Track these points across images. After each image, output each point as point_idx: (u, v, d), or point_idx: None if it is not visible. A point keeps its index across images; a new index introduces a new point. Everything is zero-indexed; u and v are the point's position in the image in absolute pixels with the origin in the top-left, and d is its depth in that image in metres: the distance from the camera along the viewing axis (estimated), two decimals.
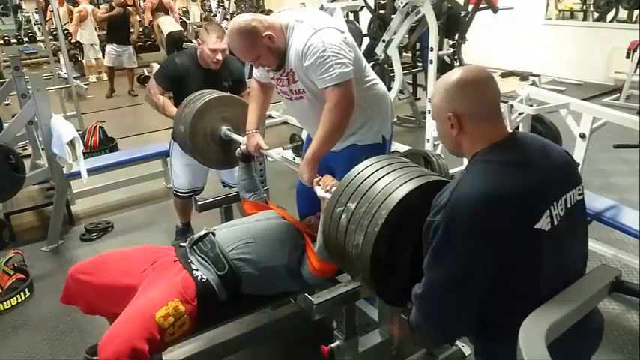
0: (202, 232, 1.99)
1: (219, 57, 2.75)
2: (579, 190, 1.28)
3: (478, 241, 1.11)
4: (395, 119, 2.23)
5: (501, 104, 3.14)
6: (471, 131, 1.23)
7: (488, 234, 1.11)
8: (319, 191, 1.79)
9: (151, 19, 9.76)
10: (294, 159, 4.74)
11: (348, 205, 1.47)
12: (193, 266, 1.86)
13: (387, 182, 1.44)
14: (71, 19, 9.15)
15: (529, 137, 1.31)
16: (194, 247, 1.94)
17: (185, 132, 2.42)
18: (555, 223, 1.17)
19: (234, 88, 2.90)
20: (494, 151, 1.20)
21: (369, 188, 1.46)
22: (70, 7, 10.11)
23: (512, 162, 1.18)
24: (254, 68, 2.23)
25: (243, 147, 2.26)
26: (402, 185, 1.41)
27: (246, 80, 3.10)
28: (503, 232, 1.11)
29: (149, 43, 10.31)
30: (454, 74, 1.24)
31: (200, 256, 1.90)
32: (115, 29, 7.97)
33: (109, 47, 7.96)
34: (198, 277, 1.81)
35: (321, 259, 1.84)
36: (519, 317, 1.13)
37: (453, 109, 1.22)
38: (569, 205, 1.23)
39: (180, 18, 11.10)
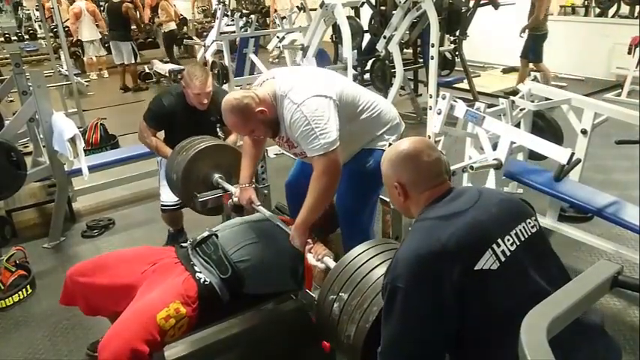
0: (205, 234, 1.99)
1: (205, 101, 2.76)
2: (531, 223, 1.33)
3: (417, 296, 1.18)
4: (403, 128, 2.23)
5: (503, 100, 3.15)
6: (414, 197, 1.37)
7: (426, 288, 1.17)
8: (310, 259, 1.83)
9: (150, 16, 9.77)
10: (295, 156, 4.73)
11: (340, 294, 1.50)
12: (196, 269, 1.86)
13: (379, 274, 1.46)
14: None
15: (467, 189, 1.41)
16: (197, 249, 1.94)
17: (177, 180, 2.45)
18: (503, 259, 1.21)
19: (222, 123, 2.89)
20: (430, 209, 1.32)
21: (362, 279, 1.49)
22: (69, 4, 10.10)
23: (444, 215, 1.27)
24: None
25: (235, 199, 2.27)
26: None
27: None
28: (442, 283, 1.16)
29: (150, 40, 10.31)
30: (399, 146, 1.39)
31: (203, 259, 1.90)
32: (114, 26, 7.98)
33: (111, 44, 8.05)
34: (201, 280, 1.82)
35: None
36: (486, 351, 1.19)
37: (397, 179, 1.37)
38: (522, 239, 1.27)
39: (180, 15, 11.08)
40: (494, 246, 1.22)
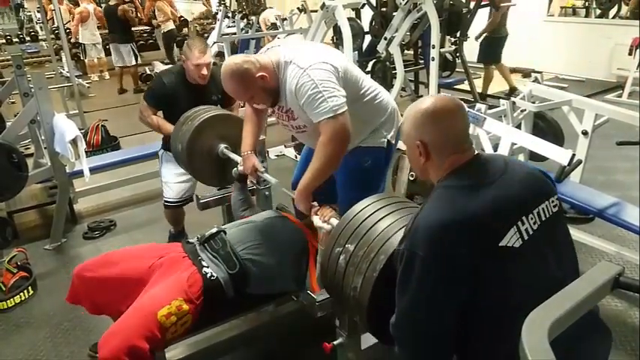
0: (213, 230, 2.00)
1: (205, 71, 2.72)
2: (554, 201, 1.28)
3: (438, 266, 1.13)
4: (401, 122, 2.22)
5: (504, 101, 3.16)
6: (436, 160, 1.27)
7: (447, 259, 1.13)
8: (317, 221, 1.80)
9: (150, 16, 9.79)
10: (295, 157, 4.75)
11: (346, 246, 1.48)
12: (204, 263, 1.86)
13: (386, 225, 1.44)
14: (72, 18, 9.15)
15: (491, 157, 1.33)
16: (205, 244, 1.95)
17: (183, 150, 2.44)
18: (526, 237, 1.17)
19: (223, 102, 2.90)
20: (455, 176, 1.24)
21: (368, 230, 1.46)
22: (71, 6, 10.10)
23: (470, 185, 1.21)
24: None
25: (240, 167, 2.27)
26: (401, 229, 1.41)
27: None
28: (463, 255, 1.12)
29: (150, 41, 10.31)
30: (424, 103, 1.28)
31: (211, 254, 1.90)
32: (112, 28, 7.99)
33: (111, 47, 8.08)
34: (208, 275, 1.81)
35: (320, 285, 1.82)
36: (498, 338, 1.16)
37: (421, 138, 1.27)
38: (544, 218, 1.23)
39: (181, 17, 11.09)
40: (519, 223, 1.17)
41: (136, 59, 8.09)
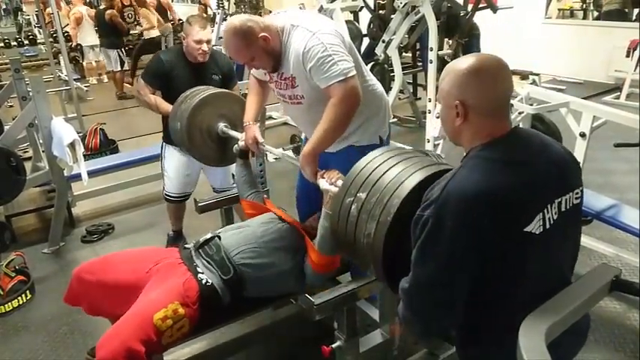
0: (208, 236, 1.99)
1: (205, 47, 2.69)
2: (577, 193, 1.24)
3: (465, 238, 1.09)
4: (392, 119, 2.22)
5: None
6: (474, 123, 1.18)
7: (477, 232, 1.09)
8: (323, 183, 1.76)
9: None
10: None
11: (358, 194, 1.45)
12: (199, 269, 1.86)
13: (397, 171, 1.42)
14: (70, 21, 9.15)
15: (529, 134, 1.26)
16: (199, 250, 1.95)
17: (182, 129, 2.40)
18: (547, 226, 1.15)
19: (223, 82, 2.87)
20: (492, 147, 1.17)
21: (380, 177, 1.43)
22: (68, 9, 10.10)
23: (508, 160, 1.15)
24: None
25: (241, 142, 2.25)
26: (413, 174, 1.39)
27: (235, 75, 3.07)
28: (492, 232, 1.09)
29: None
30: (468, 60, 1.18)
31: (205, 260, 1.90)
32: (102, 33, 7.98)
33: (102, 51, 8.17)
34: (203, 281, 1.82)
35: (320, 252, 1.83)
36: (497, 320, 1.15)
37: (461, 98, 1.16)
38: (563, 209, 1.20)
39: (180, 20, 11.10)
40: (545, 210, 1.15)
41: (122, 65, 7.97)
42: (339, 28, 1.92)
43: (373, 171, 1.47)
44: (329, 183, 1.75)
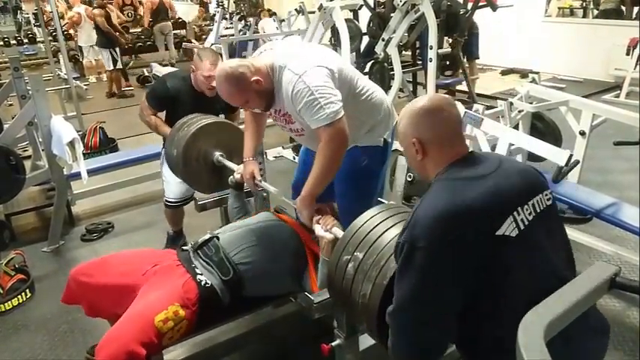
0: (206, 237, 1.99)
1: (214, 84, 2.69)
2: (547, 195, 1.32)
3: (438, 256, 1.15)
4: (396, 121, 2.22)
5: (502, 102, 3.16)
6: (433, 156, 1.32)
7: (448, 247, 1.15)
8: (318, 230, 1.79)
9: (151, 19, 9.76)
10: (294, 158, 4.75)
11: (355, 254, 1.48)
12: (197, 271, 1.86)
13: (395, 233, 1.45)
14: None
15: (487, 154, 1.39)
16: (198, 251, 1.94)
17: (178, 156, 2.42)
18: (522, 227, 1.21)
19: (227, 112, 2.89)
20: (451, 169, 1.28)
21: (377, 238, 1.47)
22: (66, 7, 10.08)
23: (468, 176, 1.25)
24: None
25: (237, 175, 2.26)
26: None
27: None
28: (463, 245, 1.15)
29: (149, 43, 10.32)
30: (418, 102, 1.34)
31: (204, 261, 1.90)
32: (97, 32, 7.96)
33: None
34: (202, 282, 1.81)
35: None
36: (497, 330, 1.17)
37: (417, 135, 1.31)
38: (538, 210, 1.27)
39: (179, 19, 11.10)
40: (515, 213, 1.21)
41: (115, 64, 7.90)
42: (326, 57, 1.91)
43: (371, 230, 1.50)
44: (324, 230, 1.77)
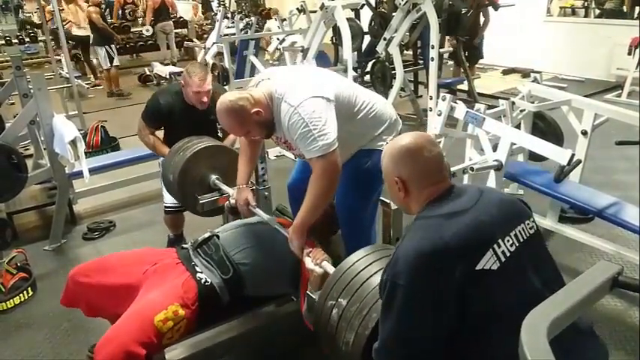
0: (206, 235, 1.99)
1: (205, 99, 2.69)
2: (529, 224, 1.34)
3: (418, 294, 1.18)
4: (400, 126, 2.23)
5: (503, 101, 3.15)
6: (415, 193, 1.35)
7: (427, 285, 1.17)
8: (309, 263, 1.79)
9: (152, 18, 9.75)
10: (295, 158, 4.74)
11: (339, 300, 1.50)
12: (197, 269, 1.86)
13: (378, 280, 1.43)
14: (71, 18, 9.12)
15: (467, 187, 1.40)
16: (198, 249, 1.94)
17: (174, 181, 2.44)
18: (503, 259, 1.22)
19: None
20: (431, 207, 1.31)
21: (361, 285, 1.48)
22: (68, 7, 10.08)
23: (446, 214, 1.26)
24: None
25: (232, 201, 2.26)
26: None
27: None
28: (443, 281, 1.17)
29: (150, 42, 10.33)
30: (399, 141, 1.38)
31: (204, 260, 1.90)
32: (92, 30, 7.95)
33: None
34: (202, 281, 1.81)
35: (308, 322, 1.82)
36: (485, 356, 1.19)
37: (398, 174, 1.35)
38: (521, 239, 1.28)
39: (180, 17, 11.09)
40: (495, 246, 1.22)
41: (111, 62, 7.85)
42: (323, 84, 1.93)
43: (355, 276, 1.51)
44: (314, 263, 1.77)
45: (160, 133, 2.96)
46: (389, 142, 1.41)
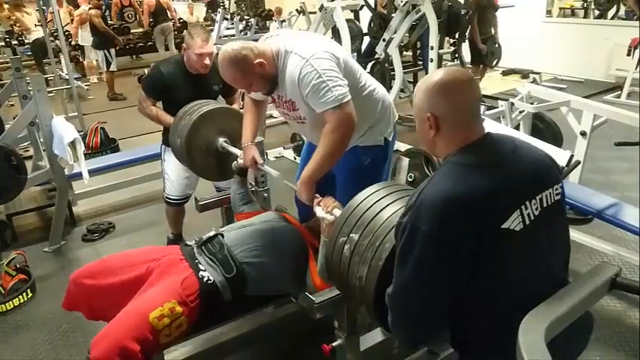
0: (211, 233, 1.99)
1: (207, 61, 2.64)
2: (557, 189, 1.28)
3: (440, 241, 1.13)
4: (396, 119, 2.23)
5: (503, 102, 3.17)
6: (447, 133, 1.25)
7: (451, 235, 1.12)
8: (319, 212, 1.77)
9: (151, 20, 9.75)
10: (295, 158, 4.75)
11: (350, 235, 1.46)
12: (201, 267, 1.85)
13: (390, 213, 1.43)
14: (72, 21, 9.13)
15: (501, 138, 1.30)
16: (202, 247, 1.94)
17: (181, 145, 2.42)
18: (527, 222, 1.17)
19: (224, 92, 2.87)
20: (464, 153, 1.22)
21: (372, 219, 1.45)
22: (71, 8, 10.09)
23: (479, 164, 1.20)
24: None
25: (240, 160, 2.25)
26: None
27: None
28: (467, 233, 1.12)
29: (150, 44, 10.34)
30: (435, 75, 1.26)
31: (208, 257, 1.89)
32: (92, 33, 7.95)
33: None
34: (204, 279, 1.81)
35: (322, 279, 1.82)
36: (490, 323, 1.17)
37: (432, 111, 1.24)
38: (545, 205, 1.23)
39: (180, 19, 11.09)
40: (523, 207, 1.18)
41: (108, 66, 7.82)
42: (332, 46, 1.91)
43: (366, 210, 1.48)
44: (325, 211, 1.75)
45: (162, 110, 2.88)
46: (422, 79, 1.29)
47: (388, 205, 1.47)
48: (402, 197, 1.51)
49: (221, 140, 2.43)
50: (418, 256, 1.15)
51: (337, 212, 1.71)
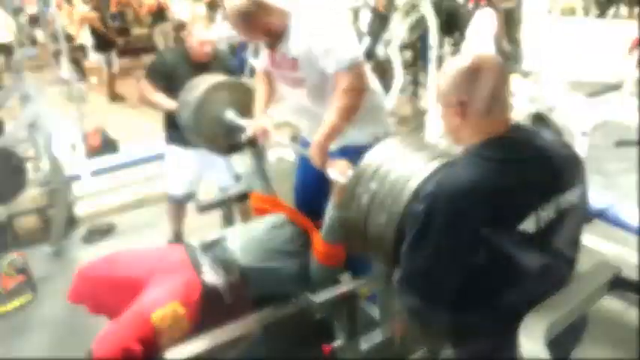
0: (215, 236, 2.00)
1: (208, 48, 2.67)
2: (577, 192, 1.24)
3: (453, 234, 1.11)
4: (392, 119, 2.21)
5: None
6: (472, 121, 1.19)
7: (465, 229, 1.10)
8: (333, 173, 1.73)
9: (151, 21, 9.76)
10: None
11: (369, 185, 1.44)
12: (203, 269, 1.86)
13: (410, 161, 1.42)
14: (71, 21, 9.13)
15: (529, 133, 1.25)
16: (206, 250, 1.94)
17: (190, 117, 2.37)
18: (542, 224, 1.15)
19: None
20: (488, 145, 1.17)
21: (392, 167, 1.43)
22: (71, 9, 10.10)
23: (503, 159, 1.15)
24: (259, 61, 2.20)
25: (249, 130, 2.21)
26: (426, 165, 1.39)
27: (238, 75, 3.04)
28: (482, 230, 1.09)
29: (151, 45, 10.35)
30: (466, 60, 1.20)
31: (212, 260, 1.90)
32: (93, 35, 7.95)
33: None
34: (207, 281, 1.81)
35: (326, 242, 1.82)
36: (497, 320, 1.15)
37: (460, 97, 1.18)
38: (562, 207, 1.19)
39: (180, 19, 11.08)
40: (540, 209, 1.15)
41: (109, 68, 7.81)
42: (342, 16, 1.92)
43: (385, 160, 1.46)
44: (339, 172, 1.73)
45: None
46: (450, 61, 1.24)
47: (407, 155, 1.45)
48: (420, 150, 1.48)
49: (230, 112, 2.39)
50: (432, 246, 1.13)
51: (351, 173, 1.67)
